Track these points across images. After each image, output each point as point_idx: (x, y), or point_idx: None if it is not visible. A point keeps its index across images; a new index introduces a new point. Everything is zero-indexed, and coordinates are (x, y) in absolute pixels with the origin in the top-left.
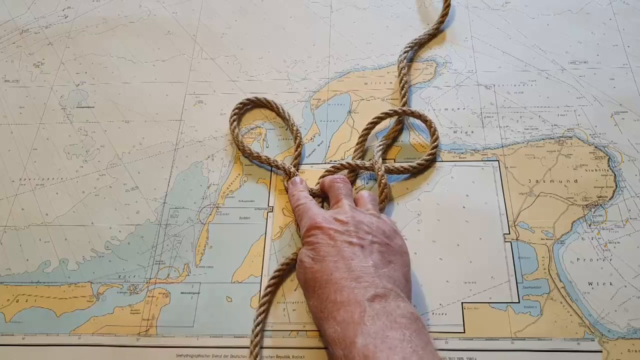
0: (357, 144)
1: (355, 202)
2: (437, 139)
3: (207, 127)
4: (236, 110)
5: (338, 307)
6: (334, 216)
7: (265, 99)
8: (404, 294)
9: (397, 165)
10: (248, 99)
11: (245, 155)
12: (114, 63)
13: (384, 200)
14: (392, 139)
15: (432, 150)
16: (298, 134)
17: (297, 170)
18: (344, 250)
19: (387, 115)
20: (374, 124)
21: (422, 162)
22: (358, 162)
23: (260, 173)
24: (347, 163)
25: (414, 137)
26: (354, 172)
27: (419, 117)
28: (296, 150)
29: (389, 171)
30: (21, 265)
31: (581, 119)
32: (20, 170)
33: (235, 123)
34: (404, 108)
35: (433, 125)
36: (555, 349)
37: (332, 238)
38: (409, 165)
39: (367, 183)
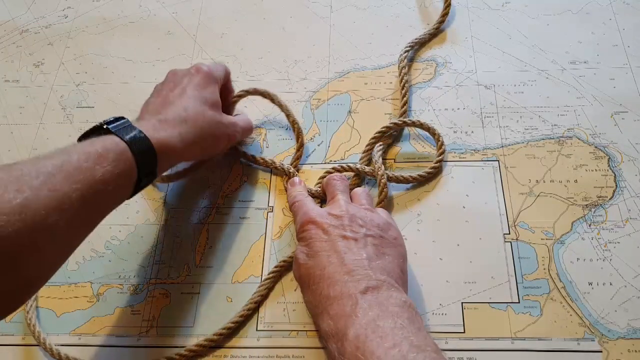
0: (364, 151)
1: (351, 199)
2: (443, 152)
3: None
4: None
5: (331, 302)
6: (329, 211)
7: (265, 90)
8: (399, 285)
9: (397, 174)
10: (246, 90)
11: (244, 159)
12: (113, 63)
13: (384, 200)
14: (392, 139)
15: (436, 165)
16: (300, 134)
17: (298, 170)
18: (337, 244)
19: (397, 125)
20: (382, 133)
21: (425, 174)
22: (358, 165)
23: (260, 173)
24: (348, 165)
25: (414, 137)
26: (358, 176)
27: (428, 130)
28: (298, 151)
29: (393, 180)
30: None
31: (581, 119)
32: None
33: None
34: (413, 120)
35: (441, 139)
36: (555, 349)
37: (326, 232)
38: (410, 176)
39: (367, 183)
